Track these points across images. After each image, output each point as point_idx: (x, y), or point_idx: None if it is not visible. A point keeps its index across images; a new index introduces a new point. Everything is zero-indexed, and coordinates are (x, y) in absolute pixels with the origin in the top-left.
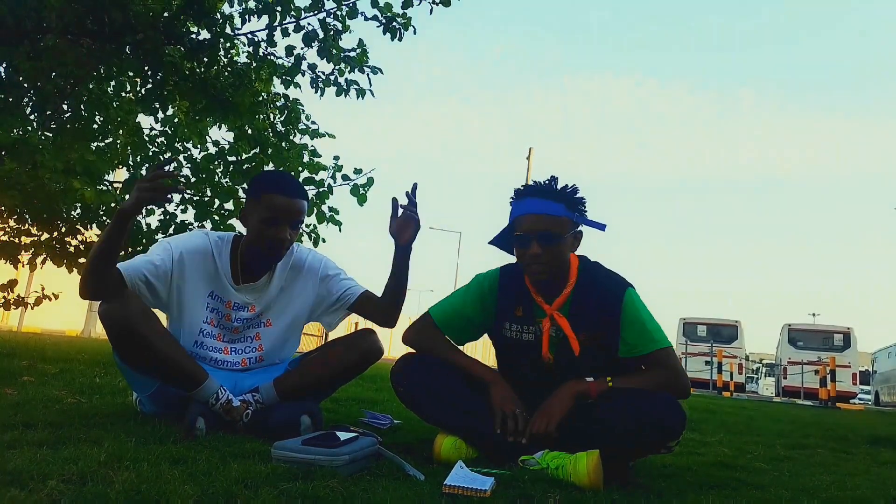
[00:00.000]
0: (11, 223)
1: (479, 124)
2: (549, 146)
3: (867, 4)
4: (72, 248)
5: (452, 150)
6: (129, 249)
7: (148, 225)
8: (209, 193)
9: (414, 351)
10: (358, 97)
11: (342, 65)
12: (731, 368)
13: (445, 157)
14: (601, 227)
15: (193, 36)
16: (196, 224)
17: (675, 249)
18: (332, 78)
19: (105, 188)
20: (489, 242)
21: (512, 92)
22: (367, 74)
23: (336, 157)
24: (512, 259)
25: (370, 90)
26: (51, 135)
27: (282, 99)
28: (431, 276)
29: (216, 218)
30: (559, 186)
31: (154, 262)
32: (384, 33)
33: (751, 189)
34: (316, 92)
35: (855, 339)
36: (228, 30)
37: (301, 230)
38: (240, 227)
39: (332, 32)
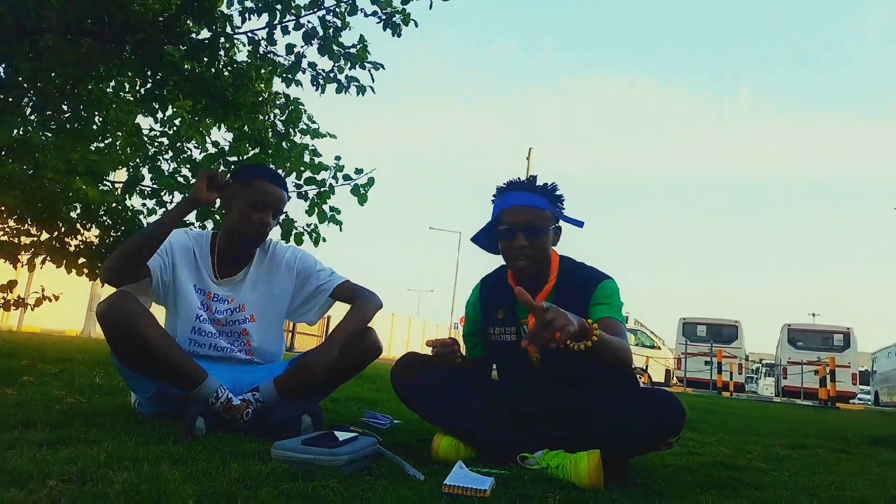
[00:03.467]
0: (11, 223)
1: (479, 124)
2: (548, 146)
3: (867, 4)
4: (71, 248)
5: (452, 149)
6: None
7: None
8: None
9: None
10: (358, 94)
11: (342, 62)
12: (731, 368)
13: (445, 156)
14: (579, 223)
15: (193, 35)
16: (197, 224)
17: (674, 249)
18: (332, 75)
19: (107, 188)
20: (471, 239)
21: (511, 92)
22: (369, 70)
23: (338, 158)
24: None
25: (371, 87)
26: (51, 135)
27: (282, 98)
28: (431, 276)
29: (217, 218)
30: (541, 182)
31: (160, 256)
32: (384, 29)
33: (751, 189)
34: (317, 89)
35: (855, 340)
36: (228, 29)
37: (302, 230)
38: None
39: (331, 29)
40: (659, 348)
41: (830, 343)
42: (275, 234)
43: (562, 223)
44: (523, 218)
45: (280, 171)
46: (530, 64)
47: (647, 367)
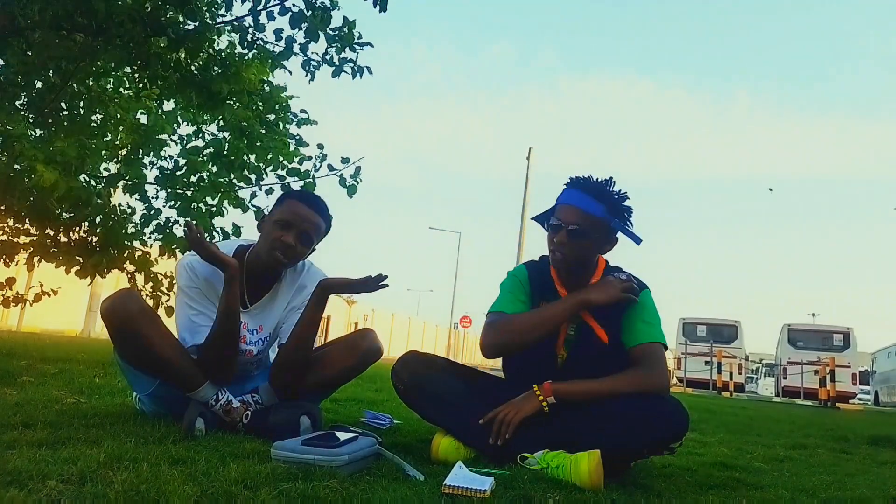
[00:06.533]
0: (10, 222)
1: (478, 123)
2: (548, 146)
3: (865, 4)
4: (63, 247)
5: (451, 149)
6: (116, 252)
7: (135, 225)
8: (192, 188)
9: (500, 353)
10: (354, 76)
11: (337, 44)
12: (731, 368)
13: (444, 156)
14: (637, 240)
15: (179, 26)
16: (182, 219)
17: (674, 249)
18: (328, 57)
19: (83, 182)
20: (532, 218)
21: (510, 91)
22: (357, 54)
23: (321, 146)
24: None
25: (367, 67)
26: (45, 132)
27: (265, 86)
28: (431, 276)
29: (202, 211)
30: (610, 188)
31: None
32: (374, 5)
33: (750, 189)
34: (307, 75)
35: (854, 340)
36: (211, 18)
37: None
38: (222, 223)
39: (319, 11)
40: None
41: (830, 343)
42: None
43: (620, 235)
44: (571, 218)
45: (268, 168)
46: (529, 64)
47: None
